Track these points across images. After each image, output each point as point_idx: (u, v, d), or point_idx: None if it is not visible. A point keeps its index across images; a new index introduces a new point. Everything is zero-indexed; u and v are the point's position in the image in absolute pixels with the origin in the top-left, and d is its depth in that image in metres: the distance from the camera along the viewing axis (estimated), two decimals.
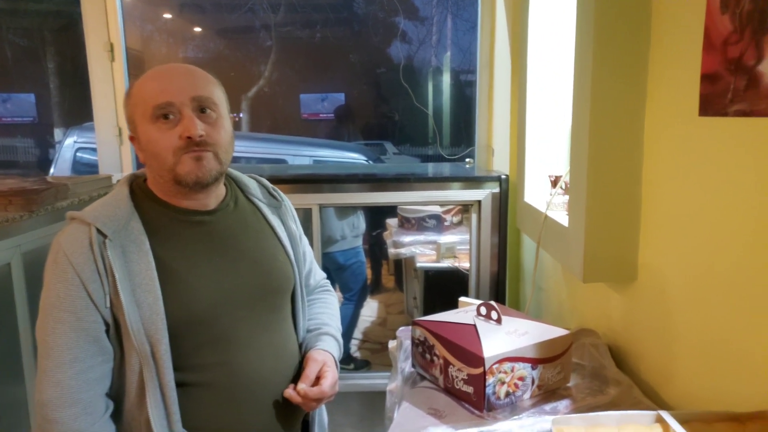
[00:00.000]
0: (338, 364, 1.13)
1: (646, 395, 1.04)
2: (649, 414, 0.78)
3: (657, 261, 1.07)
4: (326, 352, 1.10)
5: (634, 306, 1.16)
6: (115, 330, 0.93)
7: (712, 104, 0.87)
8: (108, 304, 0.91)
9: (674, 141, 1.00)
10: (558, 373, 1.08)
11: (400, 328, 1.45)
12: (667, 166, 1.02)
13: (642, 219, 1.12)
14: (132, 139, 1.00)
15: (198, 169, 0.95)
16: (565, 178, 1.46)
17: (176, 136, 0.94)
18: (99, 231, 0.92)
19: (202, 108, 0.96)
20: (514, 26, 2.00)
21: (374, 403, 2.04)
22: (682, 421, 0.74)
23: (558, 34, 1.57)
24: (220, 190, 1.06)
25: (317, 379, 1.05)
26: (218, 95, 1.00)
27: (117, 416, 0.97)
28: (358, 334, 3.29)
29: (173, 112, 0.94)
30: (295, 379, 1.07)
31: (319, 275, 1.28)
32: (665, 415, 0.75)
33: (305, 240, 1.22)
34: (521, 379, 1.03)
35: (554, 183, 1.51)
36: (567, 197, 1.45)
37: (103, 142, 2.22)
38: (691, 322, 0.95)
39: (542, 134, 1.64)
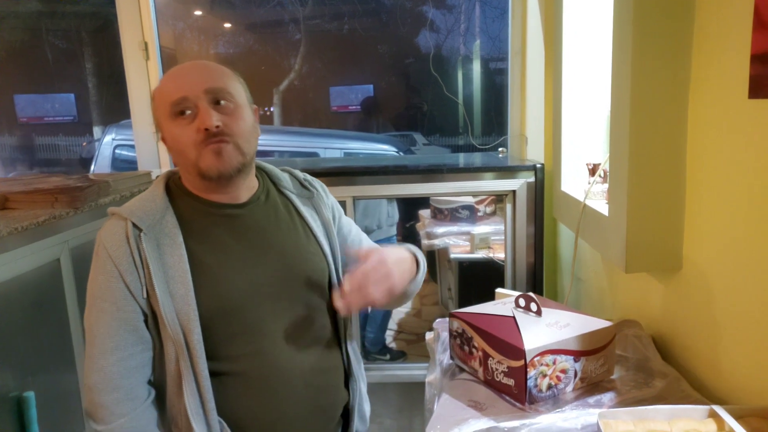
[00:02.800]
0: (420, 262, 1.09)
1: (695, 388, 1.01)
2: (702, 408, 0.75)
3: (703, 249, 1.03)
4: (397, 247, 1.05)
5: (679, 296, 1.12)
6: (153, 320, 0.97)
7: (763, 86, 0.83)
8: (145, 295, 0.95)
9: (721, 125, 0.96)
10: (601, 366, 1.06)
11: (437, 320, 1.44)
12: (713, 151, 0.99)
13: (687, 206, 1.09)
14: (163, 139, 1.02)
15: (219, 163, 0.96)
16: (604, 165, 1.43)
17: (194, 130, 0.95)
18: (135, 225, 0.96)
19: (217, 100, 0.97)
20: (547, 10, 1.95)
21: (412, 394, 2.05)
22: (737, 416, 0.72)
23: (594, 15, 1.53)
24: (251, 183, 1.07)
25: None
26: (233, 86, 1.00)
27: (161, 403, 1.01)
28: (393, 325, 3.30)
29: (189, 107, 0.95)
30: (333, 371, 1.08)
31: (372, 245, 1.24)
32: (719, 409, 0.73)
33: (346, 220, 1.21)
34: (563, 371, 1.02)
35: (592, 171, 1.48)
36: (606, 186, 1.41)
37: (140, 139, 2.27)
38: (742, 312, 0.91)
39: (578, 121, 1.60)
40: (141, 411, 0.96)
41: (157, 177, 1.07)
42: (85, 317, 0.98)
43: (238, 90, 1.01)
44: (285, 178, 1.15)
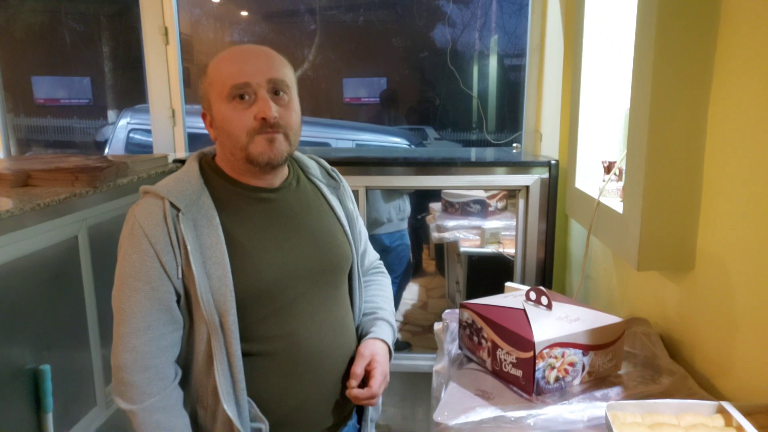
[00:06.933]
0: (392, 349, 1.15)
1: (702, 386, 1.02)
2: (711, 404, 0.76)
3: (717, 249, 1.03)
4: (378, 340, 1.12)
5: (690, 295, 1.13)
6: (186, 300, 0.98)
7: None
8: (180, 275, 0.95)
9: (742, 124, 0.96)
10: (609, 361, 1.07)
11: (446, 311, 1.45)
12: (732, 151, 0.99)
13: (702, 206, 1.09)
14: (204, 115, 1.04)
15: (270, 151, 0.98)
16: (620, 163, 1.43)
17: (251, 116, 0.96)
18: (172, 204, 0.96)
19: (276, 90, 0.99)
20: (568, 5, 1.94)
21: (416, 384, 2.07)
22: (746, 413, 0.72)
23: (616, 10, 1.52)
24: (284, 170, 1.09)
25: (367, 374, 1.08)
26: (291, 78, 1.02)
27: (185, 382, 1.02)
28: (399, 316, 3.32)
29: (249, 92, 0.97)
30: (353, 356, 1.10)
31: (372, 255, 1.30)
32: (727, 405, 0.74)
33: (361, 220, 1.24)
34: (571, 364, 1.03)
35: (608, 169, 1.48)
36: (621, 184, 1.41)
37: (157, 123, 2.30)
38: (755, 313, 0.91)
39: (595, 118, 1.60)
40: (170, 390, 0.97)
41: (189, 157, 1.07)
42: (114, 296, 0.97)
43: (293, 82, 1.03)
44: (313, 166, 1.17)
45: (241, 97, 0.97)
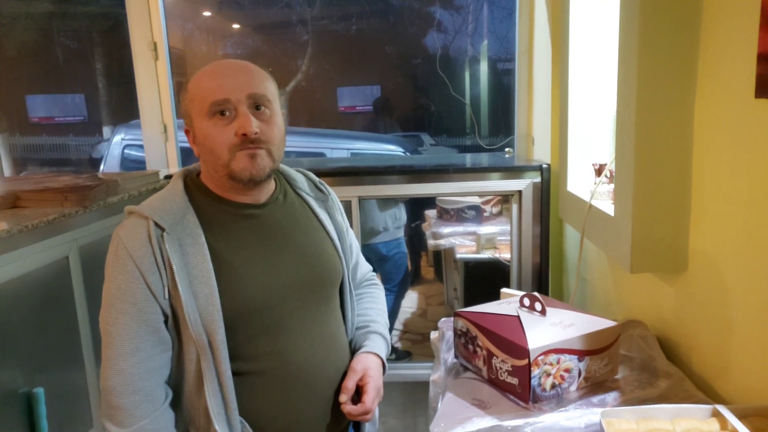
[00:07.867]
0: (385, 363, 1.14)
1: (699, 389, 1.01)
2: (705, 408, 0.75)
3: (709, 249, 1.03)
4: (370, 354, 1.11)
5: (685, 296, 1.12)
6: (173, 321, 0.96)
7: None
8: (166, 296, 0.94)
9: (727, 124, 0.96)
10: (605, 365, 1.06)
11: (442, 319, 1.45)
12: (719, 151, 0.98)
13: (692, 207, 1.08)
14: (187, 132, 1.03)
15: (252, 167, 0.97)
16: (610, 166, 1.42)
17: (231, 132, 0.95)
18: (157, 224, 0.94)
19: (257, 105, 0.97)
20: (554, 10, 1.95)
21: (416, 393, 2.05)
22: (741, 416, 0.72)
23: (601, 14, 1.53)
24: (270, 185, 1.08)
25: (360, 389, 1.06)
26: (272, 92, 1.01)
27: (176, 403, 1.00)
28: (398, 324, 3.30)
29: (229, 108, 0.96)
30: (347, 371, 1.09)
31: (365, 268, 1.28)
32: (722, 409, 0.73)
33: (352, 233, 1.23)
34: (567, 371, 1.02)
35: (599, 171, 1.48)
36: (612, 186, 1.41)
37: (149, 139, 2.30)
38: (749, 312, 0.91)
39: (585, 121, 1.60)
40: (160, 413, 0.95)
41: (174, 175, 1.06)
42: (101, 318, 0.96)
43: (275, 95, 1.02)
44: (300, 179, 1.16)
45: (222, 113, 0.96)
